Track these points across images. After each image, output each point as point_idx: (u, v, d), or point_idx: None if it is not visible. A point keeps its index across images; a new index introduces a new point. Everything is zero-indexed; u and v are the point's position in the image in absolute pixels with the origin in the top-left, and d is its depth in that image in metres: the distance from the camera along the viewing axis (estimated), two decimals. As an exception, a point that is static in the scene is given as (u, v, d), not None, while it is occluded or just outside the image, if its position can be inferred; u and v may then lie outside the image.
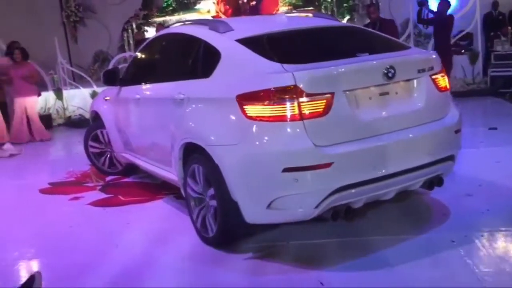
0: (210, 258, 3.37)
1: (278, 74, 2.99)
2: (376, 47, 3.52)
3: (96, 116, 5.69)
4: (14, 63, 8.36)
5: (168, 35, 4.56)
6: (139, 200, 4.69)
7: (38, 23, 10.95)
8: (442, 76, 3.47)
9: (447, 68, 4.21)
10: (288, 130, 2.95)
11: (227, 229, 3.34)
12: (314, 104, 2.95)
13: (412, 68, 3.32)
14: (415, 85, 3.34)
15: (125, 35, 11.15)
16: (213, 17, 11.81)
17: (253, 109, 3.03)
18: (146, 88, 4.51)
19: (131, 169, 5.41)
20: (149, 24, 11.65)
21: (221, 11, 11.90)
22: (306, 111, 2.93)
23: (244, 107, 3.05)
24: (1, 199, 5.29)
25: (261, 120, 3.00)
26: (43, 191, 5.39)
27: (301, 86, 2.91)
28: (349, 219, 3.31)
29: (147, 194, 4.79)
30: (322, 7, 11.45)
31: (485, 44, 9.48)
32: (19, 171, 6.71)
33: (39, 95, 8.91)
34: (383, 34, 4.07)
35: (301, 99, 2.91)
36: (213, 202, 3.36)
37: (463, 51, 9.42)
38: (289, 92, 2.91)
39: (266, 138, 3.00)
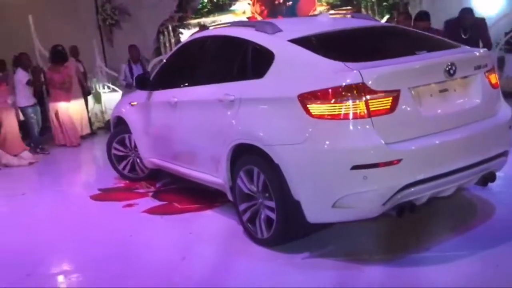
0: (288, 269, 3.26)
1: (345, 72, 3.04)
2: (429, 45, 3.58)
3: (118, 122, 5.66)
4: (51, 67, 8.43)
5: (207, 38, 4.54)
6: (196, 208, 4.56)
7: (75, 27, 11.00)
8: (494, 73, 3.57)
9: None
10: (357, 127, 3.00)
11: (287, 229, 3.37)
12: (381, 101, 3.01)
13: (470, 65, 3.41)
14: (472, 81, 3.42)
15: (161, 37, 11.04)
16: (248, 18, 11.65)
17: (317, 108, 3.07)
18: (185, 91, 4.49)
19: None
20: (184, 26, 11.52)
21: (256, 12, 11.74)
22: (374, 108, 2.99)
23: (308, 106, 3.09)
24: (54, 207, 5.26)
25: (327, 118, 3.04)
26: (94, 198, 5.30)
27: (368, 83, 2.97)
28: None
29: (203, 201, 4.65)
30: (362, 6, 11.14)
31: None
32: (64, 177, 6.66)
33: (87, 94, 9.27)
34: (428, 34, 4.12)
35: (368, 97, 2.97)
36: (269, 203, 3.39)
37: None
38: (357, 90, 2.96)
39: (333, 136, 3.04)
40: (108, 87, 10.34)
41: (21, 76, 8.01)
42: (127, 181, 5.70)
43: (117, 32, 11.81)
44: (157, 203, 4.89)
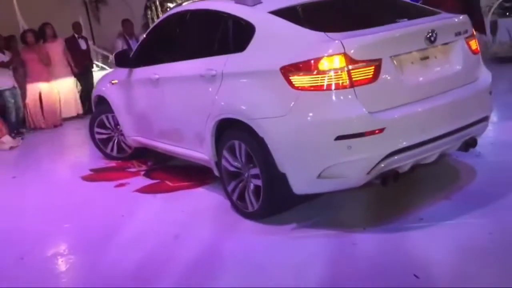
0: (281, 244, 3.28)
1: (326, 43, 3.06)
2: (410, 13, 3.61)
3: (99, 101, 5.69)
4: (28, 46, 8.38)
5: (186, 12, 4.49)
6: (188, 186, 4.57)
7: (60, 4, 10.75)
8: (474, 39, 3.62)
9: None
10: (340, 97, 3.03)
11: (273, 201, 3.45)
12: (363, 70, 3.04)
13: (451, 31, 3.46)
14: (452, 48, 3.47)
15: (149, 13, 10.85)
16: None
17: (300, 80, 3.10)
18: (166, 67, 4.49)
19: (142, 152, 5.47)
20: (172, 0, 11.29)
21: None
22: (356, 78, 3.02)
23: (290, 78, 3.12)
24: (46, 188, 5.28)
25: (310, 90, 3.07)
26: (86, 178, 5.33)
27: (350, 53, 3.00)
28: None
29: (194, 178, 4.66)
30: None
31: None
32: (54, 159, 6.64)
33: (74, 74, 9.16)
34: (408, 1, 4.08)
35: (350, 67, 3.00)
36: (255, 176, 3.46)
37: (508, 13, 8.88)
38: (339, 60, 2.99)
39: (317, 107, 3.08)
40: (97, 65, 10.22)
41: None
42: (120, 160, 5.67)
43: (104, 9, 11.60)
44: (149, 181, 4.90)
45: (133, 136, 5.21)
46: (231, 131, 3.62)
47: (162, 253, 3.36)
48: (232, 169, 3.69)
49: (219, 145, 3.76)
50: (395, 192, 3.62)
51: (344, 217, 3.54)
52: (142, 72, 4.79)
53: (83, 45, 9.43)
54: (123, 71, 5.08)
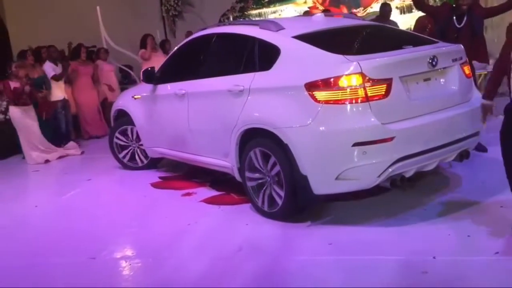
0: (354, 268, 3.31)
1: (346, 64, 3.66)
2: (413, 41, 4.22)
3: (119, 115, 6.27)
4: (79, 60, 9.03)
5: (212, 35, 5.02)
6: (253, 199, 4.53)
7: (140, 18, 11.30)
8: (467, 65, 4.25)
9: None
10: (357, 110, 3.62)
11: (296, 201, 3.95)
12: (377, 88, 3.63)
13: (449, 57, 4.10)
14: (450, 72, 4.08)
15: (222, 28, 11.13)
16: (309, 7, 11.56)
17: (322, 94, 3.66)
18: (193, 83, 4.98)
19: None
20: (245, 17, 11.53)
21: (318, 1, 11.52)
22: (371, 94, 3.61)
23: (313, 92, 3.70)
24: (117, 193, 5.65)
25: (331, 103, 3.64)
26: (155, 185, 5.54)
27: (366, 73, 3.60)
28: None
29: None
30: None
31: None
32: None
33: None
34: (410, 31, 4.88)
35: (366, 84, 3.60)
36: (278, 179, 3.97)
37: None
38: (357, 79, 3.61)
39: (337, 118, 3.64)
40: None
41: (48, 70, 8.19)
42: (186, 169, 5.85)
43: (180, 23, 12.05)
44: (214, 192, 5.09)
45: (154, 147, 5.73)
46: (256, 139, 4.12)
47: (225, 264, 3.51)
48: (255, 175, 4.19)
49: (243, 152, 4.26)
50: (469, 222, 3.65)
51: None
52: (168, 88, 5.32)
53: None
54: (147, 87, 5.64)
